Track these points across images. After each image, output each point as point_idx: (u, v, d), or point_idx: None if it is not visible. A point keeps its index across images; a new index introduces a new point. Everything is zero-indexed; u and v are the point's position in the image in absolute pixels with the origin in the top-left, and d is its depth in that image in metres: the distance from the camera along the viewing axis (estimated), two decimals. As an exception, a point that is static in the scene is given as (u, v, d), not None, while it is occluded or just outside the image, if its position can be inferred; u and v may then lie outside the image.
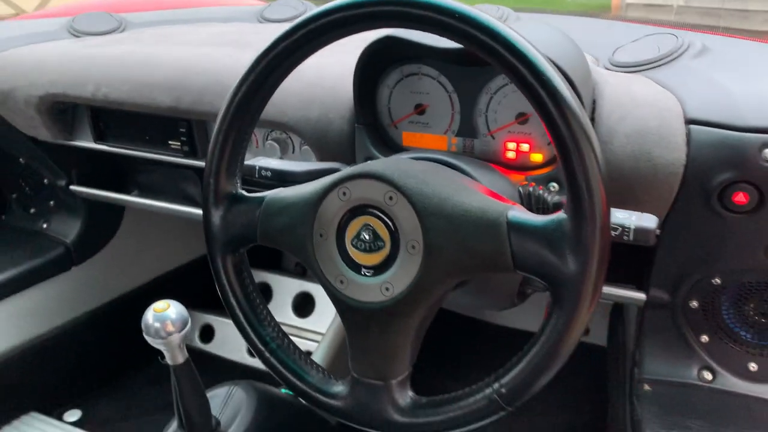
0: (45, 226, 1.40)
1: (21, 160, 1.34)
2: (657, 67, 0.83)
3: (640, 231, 0.60)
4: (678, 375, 0.88)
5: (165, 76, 0.98)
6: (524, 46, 0.52)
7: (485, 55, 0.53)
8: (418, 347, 0.64)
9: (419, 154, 0.73)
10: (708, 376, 0.87)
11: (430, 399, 0.62)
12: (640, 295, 0.88)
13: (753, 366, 0.85)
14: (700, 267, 0.80)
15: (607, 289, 0.93)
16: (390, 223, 0.59)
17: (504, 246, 0.55)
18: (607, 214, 0.53)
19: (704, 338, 0.87)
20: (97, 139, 1.16)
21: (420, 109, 0.83)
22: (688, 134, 0.71)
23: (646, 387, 0.89)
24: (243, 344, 1.50)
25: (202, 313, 1.58)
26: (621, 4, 5.66)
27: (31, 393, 1.32)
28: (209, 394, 0.94)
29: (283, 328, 0.72)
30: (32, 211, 1.42)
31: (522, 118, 0.78)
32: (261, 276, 1.62)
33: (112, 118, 1.12)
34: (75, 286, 1.38)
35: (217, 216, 0.67)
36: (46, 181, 1.35)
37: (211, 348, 1.54)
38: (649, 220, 0.60)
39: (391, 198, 0.58)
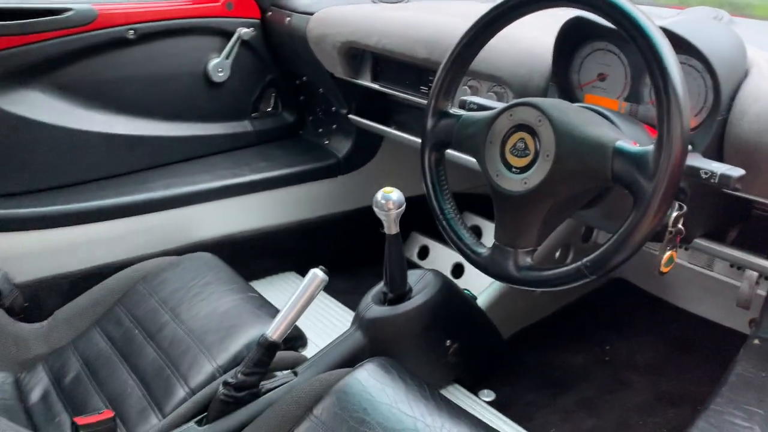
0: (327, 142, 1.89)
1: (320, 90, 1.82)
2: (820, 68, 0.96)
3: (723, 176, 0.79)
4: (788, 337, 1.01)
5: (424, 35, 1.34)
6: (645, 23, 0.75)
7: (619, 28, 0.78)
8: (543, 234, 0.90)
9: (583, 104, 0.98)
10: (816, 343, 0.98)
11: (540, 266, 0.88)
12: (760, 261, 1.02)
13: None
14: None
15: (754, 259, 1.08)
16: (536, 138, 0.86)
17: (607, 164, 0.80)
18: (681, 155, 0.74)
19: (819, 310, 0.98)
20: (373, 79, 1.57)
21: (601, 77, 1.07)
22: (808, 120, 0.86)
23: (756, 341, 1.03)
24: (448, 265, 1.84)
25: (423, 236, 1.95)
26: None
27: (292, 258, 1.82)
28: (409, 272, 1.29)
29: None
30: (320, 130, 1.92)
31: (678, 91, 0.98)
32: (476, 220, 1.93)
33: (386, 64, 1.52)
34: (338, 190, 1.85)
35: (430, 124, 1.01)
36: (333, 108, 1.83)
37: (424, 264, 1.91)
38: (733, 170, 0.79)
39: (539, 120, 0.86)
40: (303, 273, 1.83)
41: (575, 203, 0.90)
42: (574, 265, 0.84)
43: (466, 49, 0.96)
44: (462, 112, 1.00)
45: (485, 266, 0.94)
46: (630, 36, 0.77)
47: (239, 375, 1.05)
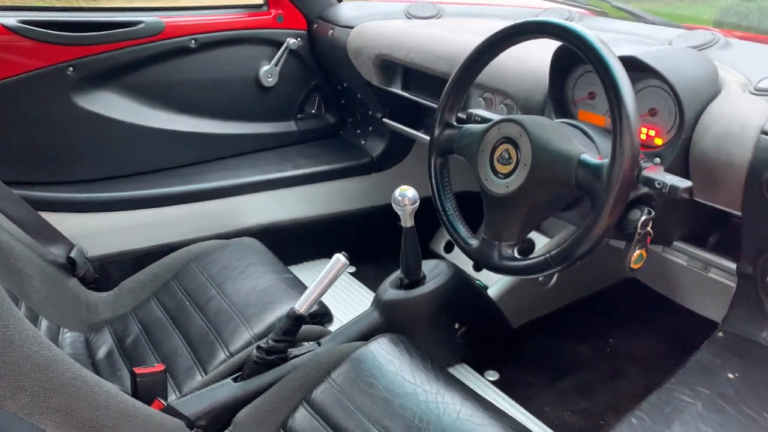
0: (363, 142, 2.07)
1: (358, 95, 2.00)
2: (782, 94, 1.07)
3: (672, 187, 0.93)
4: (749, 333, 1.13)
5: (446, 52, 1.50)
6: (602, 50, 0.90)
7: (585, 57, 0.93)
8: (524, 231, 1.06)
9: (568, 120, 1.13)
10: (773, 339, 1.10)
11: (518, 257, 1.04)
12: (733, 265, 1.15)
13: (811, 340, 1.07)
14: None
15: (713, 258, 1.21)
16: (518, 150, 1.02)
17: (572, 173, 0.95)
18: (630, 168, 0.89)
19: (778, 310, 1.10)
20: (403, 88, 1.74)
21: (591, 95, 1.21)
22: (758, 141, 0.98)
23: (720, 334, 1.15)
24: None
25: (451, 231, 2.11)
26: None
27: (327, 246, 1.97)
28: (424, 262, 1.45)
29: None
30: (358, 131, 2.10)
31: (653, 111, 1.11)
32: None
33: (415, 74, 1.68)
34: (371, 186, 2.03)
35: (437, 133, 1.18)
36: (370, 112, 2.00)
37: (449, 257, 2.07)
38: (681, 182, 0.92)
39: (521, 135, 1.01)
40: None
41: (552, 206, 1.05)
42: (542, 257, 0.99)
43: (466, 72, 1.13)
44: (465, 125, 1.16)
45: (475, 255, 1.10)
46: (592, 64, 0.92)
47: (270, 341, 1.24)
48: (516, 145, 1.02)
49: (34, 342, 0.87)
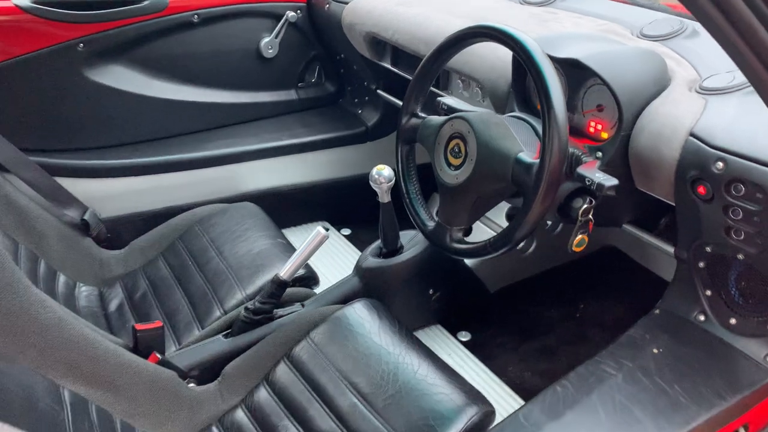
0: (359, 111, 2.17)
1: (354, 67, 2.09)
2: (720, 94, 1.14)
3: (599, 185, 1.03)
4: (681, 311, 1.24)
5: (426, 35, 1.58)
6: (535, 51, 0.99)
7: (522, 63, 1.02)
8: (472, 217, 1.17)
9: (519, 114, 1.22)
10: (701, 318, 1.21)
11: (465, 241, 1.16)
12: (671, 249, 1.25)
13: (733, 320, 1.17)
14: (697, 236, 1.15)
15: (655, 241, 1.31)
16: (466, 145, 1.12)
17: (508, 169, 1.06)
18: (557, 169, 0.99)
19: (708, 292, 1.20)
20: (393, 64, 1.83)
21: (549, 88, 1.30)
22: (685, 142, 1.07)
23: (657, 311, 1.27)
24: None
25: (442, 197, 2.23)
26: None
27: (322, 210, 2.13)
28: (402, 232, 1.57)
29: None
30: (356, 101, 2.20)
31: (600, 107, 1.20)
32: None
33: (403, 52, 1.77)
34: (365, 154, 2.14)
35: (403, 122, 1.28)
36: (365, 83, 2.10)
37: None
38: (607, 180, 1.03)
39: (468, 131, 1.12)
40: (332, 223, 2.15)
41: (497, 196, 1.16)
42: (482, 242, 1.11)
43: (425, 72, 1.23)
44: (428, 116, 1.26)
45: (429, 236, 1.22)
46: (527, 69, 1.01)
47: (256, 303, 1.39)
48: (465, 141, 1.12)
49: (41, 306, 1.02)
